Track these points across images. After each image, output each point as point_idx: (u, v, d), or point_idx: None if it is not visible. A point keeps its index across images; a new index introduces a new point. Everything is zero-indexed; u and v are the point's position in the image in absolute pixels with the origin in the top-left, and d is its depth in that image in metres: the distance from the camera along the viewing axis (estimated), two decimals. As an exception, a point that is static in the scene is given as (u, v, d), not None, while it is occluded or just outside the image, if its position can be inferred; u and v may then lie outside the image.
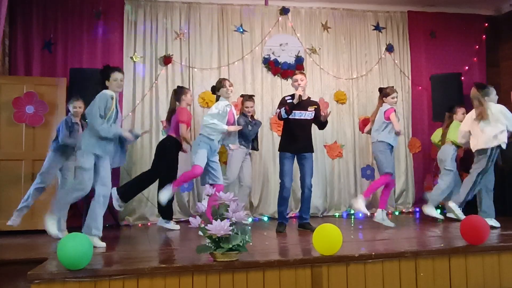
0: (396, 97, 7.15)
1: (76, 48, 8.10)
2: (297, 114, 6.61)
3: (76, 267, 3.88)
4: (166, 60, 8.40)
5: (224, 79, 6.73)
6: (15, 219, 6.48)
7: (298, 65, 8.85)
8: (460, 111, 7.70)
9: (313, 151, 6.84)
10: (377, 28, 9.39)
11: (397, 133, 6.86)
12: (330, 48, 9.16)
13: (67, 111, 6.96)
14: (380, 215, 6.95)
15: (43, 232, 6.67)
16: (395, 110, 6.98)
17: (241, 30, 8.79)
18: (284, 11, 8.95)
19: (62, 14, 8.12)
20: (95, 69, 7.60)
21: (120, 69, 5.77)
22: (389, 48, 9.38)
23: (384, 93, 7.14)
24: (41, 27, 8.03)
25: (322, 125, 6.91)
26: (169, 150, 7.02)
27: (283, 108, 6.54)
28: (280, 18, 8.96)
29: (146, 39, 8.44)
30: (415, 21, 9.48)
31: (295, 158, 6.74)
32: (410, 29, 9.49)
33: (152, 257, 4.90)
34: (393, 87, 7.34)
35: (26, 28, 7.97)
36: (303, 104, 6.65)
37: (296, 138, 6.63)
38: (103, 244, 5.35)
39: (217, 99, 6.69)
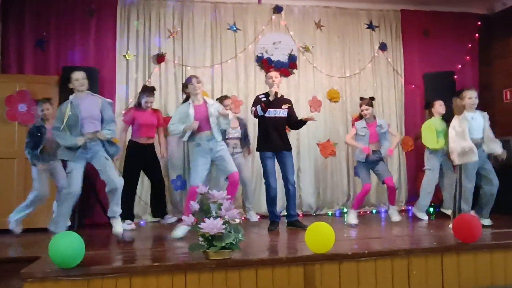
0: (365, 110, 7.27)
1: (68, 46, 8.06)
2: (272, 112, 6.65)
3: (67, 265, 3.87)
4: (159, 58, 8.39)
5: (192, 76, 6.45)
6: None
7: (291, 63, 8.85)
8: (438, 103, 7.72)
9: (291, 149, 6.89)
10: (370, 26, 9.40)
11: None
12: (323, 47, 9.16)
13: (35, 115, 6.93)
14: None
15: (36, 230, 6.68)
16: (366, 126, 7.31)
17: (234, 28, 8.78)
18: (277, 9, 8.94)
19: (55, 12, 8.07)
20: (88, 67, 7.61)
21: (78, 68, 5.94)
22: (382, 47, 9.38)
23: None
24: (33, 25, 7.98)
25: (295, 125, 6.98)
26: None
27: (259, 105, 6.58)
28: (273, 17, 8.96)
29: (139, 37, 8.42)
30: (408, 19, 9.48)
31: (275, 158, 6.77)
32: (403, 27, 9.49)
33: (145, 255, 4.89)
34: (369, 98, 7.44)
35: (18, 26, 7.92)
36: (277, 102, 6.69)
37: (272, 137, 6.66)
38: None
39: (187, 98, 6.49)
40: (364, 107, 7.23)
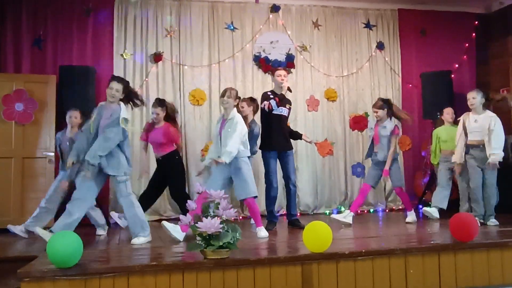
0: (374, 113, 7.18)
1: (66, 45, 8.07)
2: (278, 110, 6.66)
3: (65, 265, 3.87)
4: (157, 57, 8.38)
5: (227, 88, 6.10)
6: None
7: (289, 62, 8.85)
8: (445, 111, 7.69)
9: (293, 148, 6.92)
10: (368, 25, 9.41)
11: None
12: (320, 46, 9.17)
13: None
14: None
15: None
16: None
17: (232, 27, 8.79)
18: (274, 8, 8.94)
19: (52, 10, 8.07)
20: (85, 67, 7.64)
21: (118, 79, 5.71)
22: (380, 46, 9.40)
23: None
24: (31, 24, 7.98)
25: (290, 133, 7.02)
26: None
27: (272, 100, 6.57)
28: (271, 16, 8.96)
29: (136, 36, 8.42)
30: (405, 19, 9.50)
31: (277, 157, 6.77)
32: (401, 27, 9.51)
33: (143, 254, 4.88)
34: (380, 101, 7.28)
35: (15, 24, 7.92)
36: (284, 100, 6.73)
37: (277, 136, 6.67)
38: None
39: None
40: (373, 109, 7.15)
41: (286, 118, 6.82)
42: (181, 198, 6.90)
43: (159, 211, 8.12)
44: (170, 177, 7.00)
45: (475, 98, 6.63)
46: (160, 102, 7.10)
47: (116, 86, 5.57)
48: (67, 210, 5.34)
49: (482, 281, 4.74)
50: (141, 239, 5.54)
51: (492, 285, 4.77)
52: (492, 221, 6.54)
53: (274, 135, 6.67)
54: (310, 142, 7.26)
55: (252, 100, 7.44)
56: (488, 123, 6.53)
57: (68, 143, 6.53)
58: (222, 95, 6.02)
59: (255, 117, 7.30)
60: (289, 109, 6.86)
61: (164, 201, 8.13)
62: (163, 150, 6.95)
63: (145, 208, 6.79)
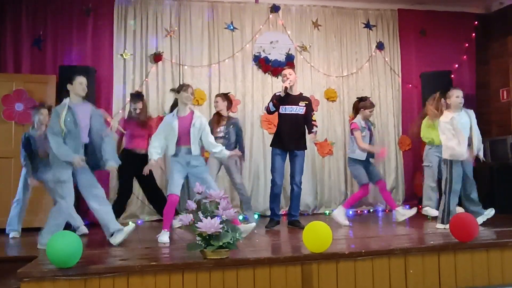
0: (373, 110, 7.16)
1: (66, 45, 8.07)
2: (288, 109, 6.62)
3: (65, 265, 3.87)
4: (157, 57, 8.38)
5: (188, 85, 5.92)
6: None
7: (289, 62, 8.83)
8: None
9: (304, 149, 6.81)
10: (368, 26, 9.41)
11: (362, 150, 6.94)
12: (320, 46, 9.17)
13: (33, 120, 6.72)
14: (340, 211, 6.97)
15: (33, 230, 6.65)
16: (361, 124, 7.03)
17: (232, 27, 8.79)
18: (274, 8, 8.94)
19: (52, 10, 8.08)
20: (85, 67, 7.63)
21: (84, 75, 5.71)
22: (380, 46, 9.40)
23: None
24: (30, 24, 7.99)
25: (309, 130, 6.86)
26: None
27: (271, 102, 6.57)
28: (270, 16, 8.96)
29: (136, 36, 8.42)
30: (405, 19, 9.50)
31: (287, 155, 6.72)
32: (401, 27, 9.51)
33: (142, 255, 4.88)
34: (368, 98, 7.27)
35: (15, 24, 7.92)
36: (294, 99, 6.66)
37: (287, 134, 6.62)
38: None
39: (175, 105, 5.99)
40: (372, 109, 7.06)
41: (301, 115, 6.67)
42: (161, 191, 7.31)
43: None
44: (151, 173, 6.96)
45: (462, 96, 6.37)
46: (140, 96, 7.27)
47: (84, 81, 5.59)
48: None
49: (482, 281, 4.74)
50: (120, 236, 5.45)
51: (492, 285, 4.77)
52: (488, 212, 6.42)
53: (282, 134, 6.65)
54: (315, 142, 6.99)
55: (225, 96, 7.36)
56: (469, 119, 6.33)
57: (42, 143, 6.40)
58: (184, 90, 5.78)
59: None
60: (305, 106, 6.68)
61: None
62: (146, 146, 6.89)
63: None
